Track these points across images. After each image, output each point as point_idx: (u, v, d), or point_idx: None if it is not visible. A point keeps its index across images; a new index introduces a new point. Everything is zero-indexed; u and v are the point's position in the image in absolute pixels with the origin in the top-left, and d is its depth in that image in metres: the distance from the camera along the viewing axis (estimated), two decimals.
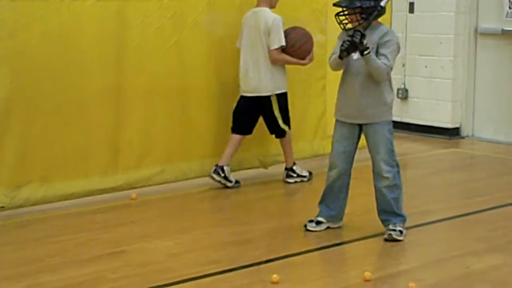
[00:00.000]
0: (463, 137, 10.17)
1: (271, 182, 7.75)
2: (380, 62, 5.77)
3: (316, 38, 7.83)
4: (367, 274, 5.14)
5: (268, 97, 7.38)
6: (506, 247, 5.89)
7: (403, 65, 10.40)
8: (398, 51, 5.96)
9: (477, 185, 7.92)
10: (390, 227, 5.92)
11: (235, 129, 7.43)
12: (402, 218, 5.97)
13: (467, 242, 6.01)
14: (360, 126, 5.96)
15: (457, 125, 10.19)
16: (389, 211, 5.94)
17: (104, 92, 6.82)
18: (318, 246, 5.86)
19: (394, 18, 9.42)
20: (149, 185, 7.16)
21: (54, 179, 6.62)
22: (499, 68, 9.92)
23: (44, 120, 6.53)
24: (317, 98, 8.25)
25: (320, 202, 6.16)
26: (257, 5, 7.41)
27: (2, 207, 6.38)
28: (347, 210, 6.18)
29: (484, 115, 10.12)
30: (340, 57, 5.74)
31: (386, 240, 5.87)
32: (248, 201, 7.14)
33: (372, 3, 5.78)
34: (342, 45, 5.70)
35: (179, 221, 6.48)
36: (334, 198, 6.11)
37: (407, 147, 9.55)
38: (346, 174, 6.06)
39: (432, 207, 6.96)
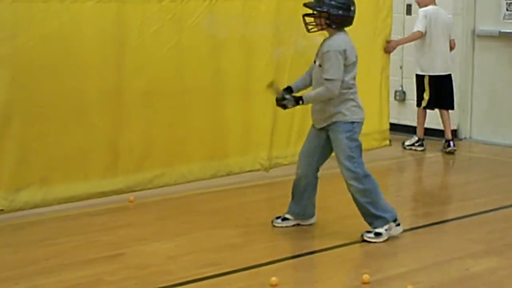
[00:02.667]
0: (460, 139, 10.18)
1: (270, 184, 7.76)
2: (316, 91, 5.95)
3: (316, 40, 7.81)
4: (366, 277, 5.15)
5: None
6: (503, 250, 5.90)
7: (400, 67, 10.40)
8: (344, 58, 5.89)
9: (475, 187, 7.93)
10: (370, 229, 5.98)
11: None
12: (383, 219, 5.97)
13: (464, 244, 6.02)
14: (325, 129, 6.03)
15: (455, 127, 10.19)
16: (368, 214, 5.98)
17: (104, 94, 6.81)
18: (316, 249, 5.87)
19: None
20: (149, 188, 7.15)
21: (54, 181, 6.60)
22: (496, 70, 9.94)
23: (44, 122, 6.51)
24: None
25: (291, 199, 6.27)
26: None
27: (2, 210, 6.36)
28: (345, 213, 6.20)
29: (482, 117, 10.14)
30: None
31: (362, 240, 5.95)
32: (247, 203, 7.15)
33: (340, 12, 5.86)
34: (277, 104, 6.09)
35: (178, 223, 6.48)
36: (299, 197, 6.22)
37: (404, 149, 9.54)
38: (309, 174, 6.14)
39: (430, 209, 6.97)
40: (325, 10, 5.86)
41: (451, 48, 9.45)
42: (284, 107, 6.08)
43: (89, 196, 6.81)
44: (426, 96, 9.38)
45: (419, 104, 9.47)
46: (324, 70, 5.87)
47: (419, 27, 9.19)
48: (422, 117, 9.50)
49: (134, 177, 7.04)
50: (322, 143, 6.08)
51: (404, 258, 5.76)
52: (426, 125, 9.57)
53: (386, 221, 5.97)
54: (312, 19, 5.95)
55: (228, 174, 7.64)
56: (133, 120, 7.00)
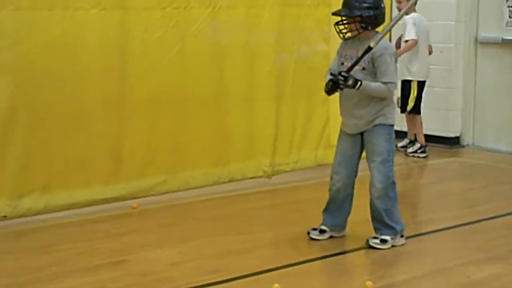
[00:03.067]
0: (463, 146, 10.18)
1: (273, 191, 7.76)
2: (377, 84, 5.79)
3: (319, 47, 7.85)
4: (369, 284, 5.14)
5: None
6: (506, 257, 5.89)
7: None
8: (396, 58, 5.93)
9: (478, 194, 7.92)
10: (376, 235, 5.94)
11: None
12: (392, 230, 5.95)
13: (468, 251, 6.02)
14: (362, 135, 5.97)
15: (458, 134, 10.20)
16: (380, 221, 5.95)
17: (107, 101, 6.82)
18: (319, 256, 5.86)
19: (394, 27, 9.39)
20: (152, 195, 7.15)
21: (56, 188, 6.61)
22: (499, 77, 9.93)
23: (47, 129, 6.52)
24: (321, 107, 8.23)
25: (324, 210, 6.17)
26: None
27: (4, 216, 6.38)
28: (349, 219, 6.17)
29: (485, 124, 10.13)
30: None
31: (366, 245, 5.92)
32: (250, 210, 7.14)
33: (372, 12, 5.80)
34: (326, 84, 5.79)
35: (180, 230, 6.47)
36: (337, 207, 6.11)
37: (407, 156, 9.54)
38: (349, 184, 6.06)
39: (433, 216, 6.97)
40: (358, 14, 5.78)
41: (430, 53, 9.60)
42: (335, 86, 5.73)
43: (91, 203, 6.81)
44: (411, 101, 9.53)
45: (404, 109, 9.57)
46: (381, 73, 5.79)
47: (412, 35, 9.29)
48: (419, 123, 9.55)
49: (136, 184, 7.04)
50: (359, 150, 6.02)
51: (407, 265, 5.75)
52: (430, 132, 9.57)
53: (395, 232, 5.96)
54: (342, 26, 5.85)
55: (230, 181, 7.65)
56: (135, 127, 7.00)
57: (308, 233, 6.16)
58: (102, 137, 6.82)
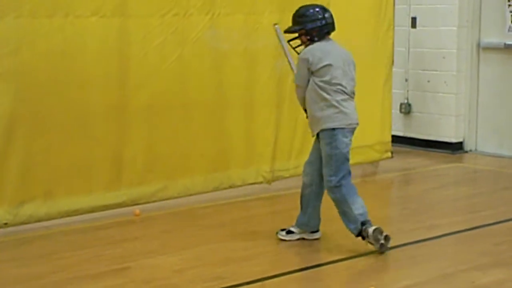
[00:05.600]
0: (466, 152, 10.17)
1: (274, 198, 7.75)
2: None
3: None
4: None
5: None
6: (510, 262, 5.88)
7: (406, 80, 10.41)
8: (308, 62, 5.99)
9: (481, 199, 7.91)
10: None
11: None
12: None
13: (471, 256, 6.00)
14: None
15: (460, 140, 10.19)
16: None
17: (107, 108, 6.83)
18: (322, 262, 5.85)
19: (397, 33, 9.43)
20: (153, 201, 7.16)
21: (58, 195, 6.62)
22: (502, 82, 9.93)
23: (48, 136, 6.53)
24: None
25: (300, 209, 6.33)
26: None
27: (6, 223, 6.38)
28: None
29: (487, 129, 10.12)
30: None
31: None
32: (251, 216, 7.14)
33: (318, 23, 6.07)
34: None
35: (183, 237, 6.47)
36: (304, 206, 6.25)
37: (410, 162, 9.55)
38: (313, 184, 6.15)
39: (436, 221, 6.95)
40: (302, 27, 6.09)
41: None
42: None
43: (93, 209, 6.82)
44: None
45: None
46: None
47: None
48: None
49: (137, 190, 7.05)
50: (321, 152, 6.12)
51: (410, 271, 5.73)
52: (432, 138, 9.55)
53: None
54: (298, 41, 6.17)
55: (230, 187, 7.66)
56: (136, 133, 7.01)
57: (277, 233, 6.32)
58: (103, 143, 6.83)
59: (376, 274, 5.67)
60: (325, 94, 5.94)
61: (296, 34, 6.16)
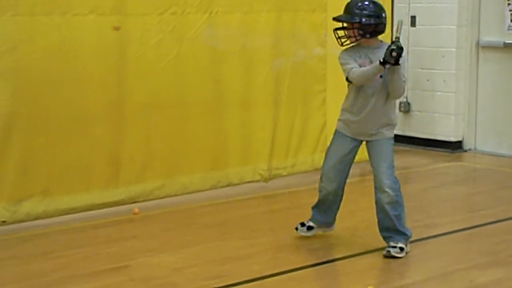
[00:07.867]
0: (465, 151, 10.16)
1: (273, 196, 7.75)
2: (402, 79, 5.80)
3: (316, 51, 7.85)
4: None
5: None
6: (509, 261, 5.87)
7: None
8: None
9: (480, 198, 7.91)
10: (391, 243, 5.86)
11: None
12: (404, 236, 5.90)
13: (470, 255, 5.99)
14: (361, 140, 5.95)
15: (460, 139, 10.18)
16: (391, 228, 5.87)
17: (105, 106, 6.83)
18: (321, 261, 5.84)
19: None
20: (151, 199, 7.16)
21: (56, 193, 6.61)
22: (501, 81, 9.92)
23: (45, 134, 6.53)
24: (318, 111, 8.25)
25: (314, 207, 6.18)
26: None
27: (4, 221, 6.38)
28: (349, 224, 6.19)
29: (487, 128, 10.12)
30: (384, 64, 5.58)
31: (385, 256, 5.82)
32: (251, 215, 7.13)
33: (372, 20, 5.76)
34: (391, 53, 5.51)
35: (182, 235, 6.46)
36: (327, 208, 6.12)
37: (409, 161, 9.54)
38: (340, 188, 6.04)
39: (435, 220, 6.95)
40: (357, 20, 5.75)
41: None
42: (398, 52, 5.51)
43: (91, 208, 6.81)
44: None
45: None
46: (404, 69, 5.79)
47: None
48: None
49: (135, 188, 7.05)
50: (354, 155, 6.00)
51: (409, 270, 5.73)
52: (431, 136, 9.55)
53: (407, 238, 5.91)
54: (343, 32, 5.83)
55: (228, 185, 7.66)
56: (134, 132, 7.01)
57: (296, 228, 6.20)
58: (101, 141, 6.83)
59: (375, 273, 5.66)
60: None
61: (345, 24, 5.79)
